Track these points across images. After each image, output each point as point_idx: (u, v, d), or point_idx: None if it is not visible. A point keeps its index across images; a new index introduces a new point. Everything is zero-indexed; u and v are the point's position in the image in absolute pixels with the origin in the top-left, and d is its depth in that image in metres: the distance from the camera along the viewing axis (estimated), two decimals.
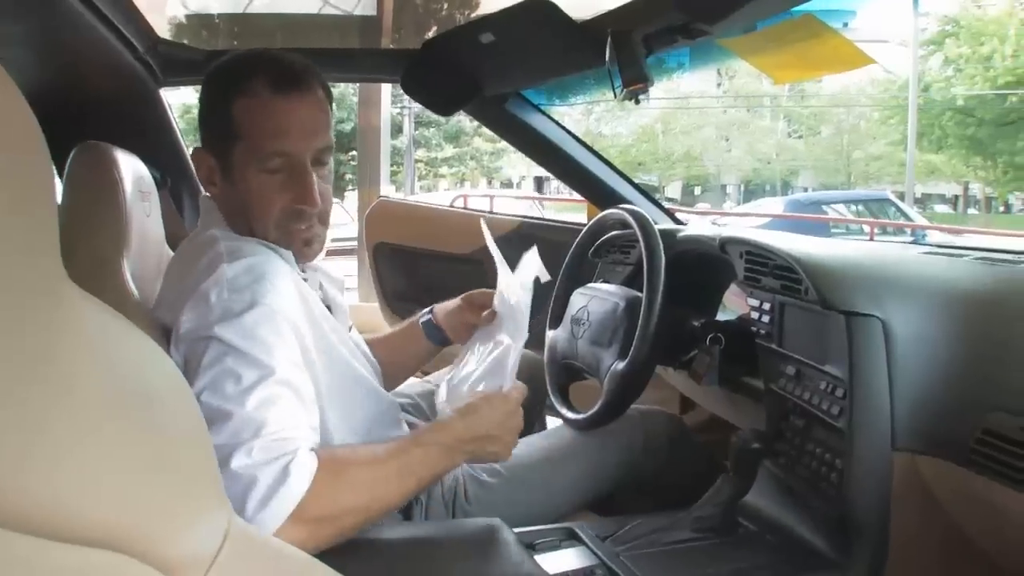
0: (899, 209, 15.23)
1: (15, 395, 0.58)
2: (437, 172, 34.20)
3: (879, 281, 1.63)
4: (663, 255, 1.99)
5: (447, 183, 33.47)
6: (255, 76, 1.49)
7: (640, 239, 2.03)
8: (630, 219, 2.10)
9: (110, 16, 1.93)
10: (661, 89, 35.38)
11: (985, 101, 24.14)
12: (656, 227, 2.11)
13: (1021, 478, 1.26)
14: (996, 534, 1.43)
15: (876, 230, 12.53)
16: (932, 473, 1.47)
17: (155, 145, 2.55)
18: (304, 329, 1.48)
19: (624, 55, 1.95)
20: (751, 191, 38.23)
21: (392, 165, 29.99)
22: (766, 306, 1.88)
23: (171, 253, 1.98)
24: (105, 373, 0.74)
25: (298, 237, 1.57)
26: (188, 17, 2.83)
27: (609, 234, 2.43)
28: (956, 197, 37.99)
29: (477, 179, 35.70)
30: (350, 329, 1.82)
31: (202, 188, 1.72)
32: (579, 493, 1.95)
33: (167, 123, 2.68)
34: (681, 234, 2.31)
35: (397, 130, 28.40)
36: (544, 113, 2.78)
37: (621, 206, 2.23)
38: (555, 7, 2.03)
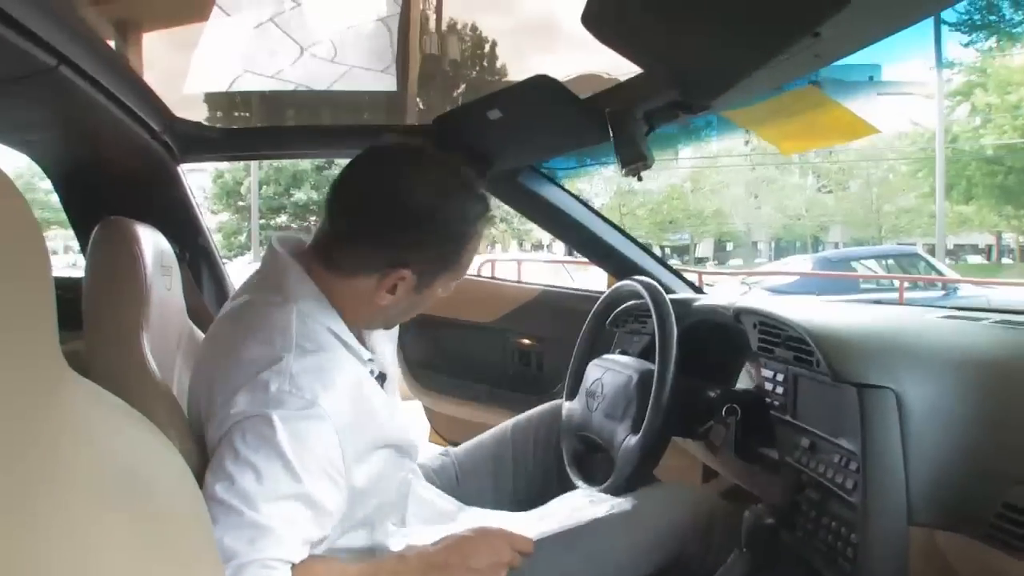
0: (929, 264, 15.12)
1: (14, 486, 0.59)
2: None
3: (892, 351, 1.59)
4: (675, 328, 1.98)
5: None
6: (483, 220, 1.62)
7: (652, 312, 2.03)
8: (642, 291, 2.10)
9: (124, 99, 1.98)
10: (689, 148, 35.55)
11: (1015, 150, 23.99)
12: (672, 296, 2.11)
13: None
14: None
15: (906, 285, 12.44)
16: (951, 549, 1.42)
17: (175, 220, 2.60)
18: (354, 427, 1.49)
19: (621, 135, 1.96)
20: (783, 247, 38.09)
21: None
22: (780, 377, 1.86)
23: (191, 324, 2.02)
24: (104, 462, 0.76)
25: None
26: (205, 96, 2.90)
27: (626, 304, 2.43)
28: (989, 247, 37.66)
29: (508, 241, 35.79)
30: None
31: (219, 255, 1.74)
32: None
33: (185, 199, 2.73)
34: (697, 303, 2.31)
35: None
36: (558, 185, 2.81)
37: (635, 277, 2.23)
38: (558, 84, 2.06)
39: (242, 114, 3.10)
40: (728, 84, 1.46)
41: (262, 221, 28.23)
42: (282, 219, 29.35)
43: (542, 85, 2.09)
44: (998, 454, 1.40)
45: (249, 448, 1.35)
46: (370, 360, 1.64)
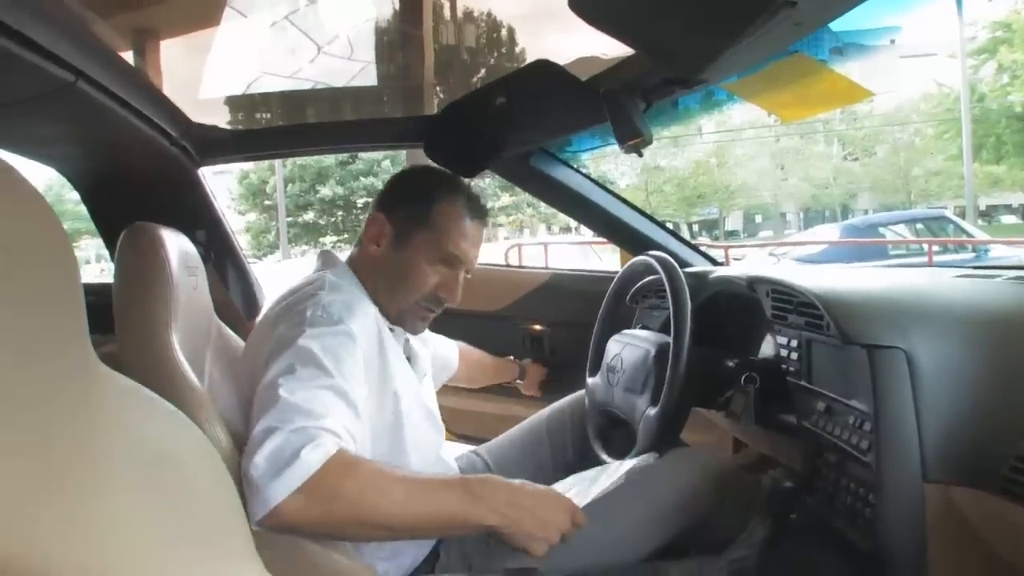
0: (958, 226, 14.95)
1: (53, 480, 0.63)
2: (495, 222, 34.44)
3: (901, 311, 1.61)
4: (688, 299, 2.00)
5: (506, 231, 33.62)
6: (461, 193, 1.95)
7: (666, 285, 2.05)
8: (656, 265, 2.13)
9: (141, 108, 2.03)
10: (713, 123, 35.35)
11: None
12: (688, 270, 2.13)
13: None
14: None
15: (936, 249, 12.31)
16: (967, 503, 1.44)
17: (198, 222, 2.69)
18: (373, 364, 1.76)
19: (616, 113, 1.99)
20: (812, 217, 37.84)
21: None
22: (794, 343, 1.88)
23: (219, 322, 2.09)
24: (135, 449, 0.80)
25: (422, 317, 1.97)
26: (224, 99, 2.94)
27: (645, 279, 2.45)
28: (1022, 206, 37.17)
29: (536, 226, 35.81)
30: (424, 375, 2.13)
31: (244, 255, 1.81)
32: (639, 541, 1.88)
33: (207, 200, 2.79)
34: (713, 275, 2.33)
35: None
36: (569, 165, 2.82)
37: (649, 252, 2.25)
38: (558, 67, 2.10)
39: (260, 115, 3.13)
40: (710, 58, 1.47)
41: (289, 219, 28.32)
42: (309, 216, 29.42)
43: (543, 69, 2.15)
44: (1009, 409, 1.41)
45: (287, 357, 1.55)
46: (392, 328, 1.92)
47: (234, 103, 2.99)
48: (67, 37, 1.57)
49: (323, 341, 1.59)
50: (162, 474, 0.85)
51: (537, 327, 3.14)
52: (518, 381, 2.90)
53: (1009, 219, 36.73)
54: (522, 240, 20.66)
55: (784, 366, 1.93)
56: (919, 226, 14.88)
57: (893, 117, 34.31)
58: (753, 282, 2.06)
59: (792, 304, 1.85)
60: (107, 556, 0.68)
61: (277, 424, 1.40)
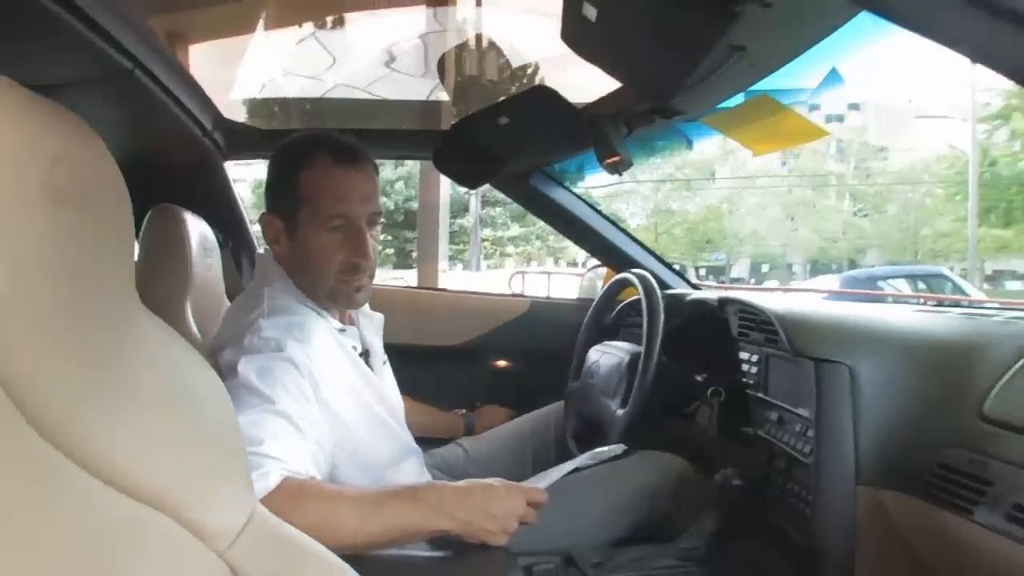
0: (956, 284, 15.10)
1: (101, 389, 0.80)
2: (503, 251, 34.54)
3: (849, 333, 1.79)
4: (662, 313, 2.17)
5: (513, 262, 33.67)
6: (319, 151, 1.77)
7: (642, 297, 2.22)
8: (635, 280, 2.29)
9: (182, 99, 2.17)
10: (727, 169, 35.49)
11: None
12: (668, 291, 2.30)
13: (970, 507, 1.38)
14: (953, 562, 1.53)
15: (931, 304, 12.34)
16: (894, 505, 1.59)
17: (218, 210, 2.83)
18: (327, 378, 1.72)
19: (598, 135, 2.18)
20: (818, 269, 37.77)
21: (459, 244, 30.31)
22: (755, 358, 2.05)
23: (228, 303, 2.26)
24: (162, 376, 0.97)
25: (351, 286, 1.83)
26: (251, 100, 3.12)
27: (629, 299, 2.61)
28: None
29: (543, 258, 35.84)
30: (384, 363, 2.08)
31: (258, 247, 1.95)
32: (599, 529, 2.01)
33: (229, 192, 2.96)
34: (689, 297, 2.49)
35: (463, 209, 28.80)
36: (566, 188, 3.00)
37: (630, 271, 2.42)
38: (555, 93, 2.26)
39: (286, 117, 3.32)
40: (680, 90, 1.65)
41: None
42: None
43: (542, 94, 2.32)
44: (936, 422, 1.56)
45: (227, 384, 1.48)
46: (342, 330, 1.87)
47: (262, 105, 3.18)
48: (130, 27, 1.67)
49: (257, 366, 1.59)
50: (181, 400, 1.00)
51: (503, 363, 3.16)
52: (466, 430, 2.65)
53: (1014, 285, 36.70)
54: (527, 269, 20.77)
55: (746, 380, 2.09)
56: (918, 282, 15.03)
57: (905, 176, 34.42)
58: (723, 302, 2.23)
59: (755, 322, 2.02)
60: (135, 447, 0.83)
61: None
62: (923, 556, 1.58)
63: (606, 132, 2.16)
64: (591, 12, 1.45)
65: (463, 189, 25.19)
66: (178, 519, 0.87)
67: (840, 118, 37.56)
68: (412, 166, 17.57)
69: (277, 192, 1.85)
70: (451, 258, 29.17)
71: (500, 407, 2.78)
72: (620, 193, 33.85)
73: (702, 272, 37.67)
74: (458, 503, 1.49)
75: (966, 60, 0.99)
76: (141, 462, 0.82)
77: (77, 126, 0.80)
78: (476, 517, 1.49)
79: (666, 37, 1.40)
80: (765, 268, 40.60)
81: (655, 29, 1.40)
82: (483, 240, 31.80)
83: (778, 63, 1.65)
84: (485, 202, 30.45)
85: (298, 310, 1.78)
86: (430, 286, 8.27)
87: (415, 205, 20.58)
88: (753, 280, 38.94)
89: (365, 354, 2.00)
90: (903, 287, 14.62)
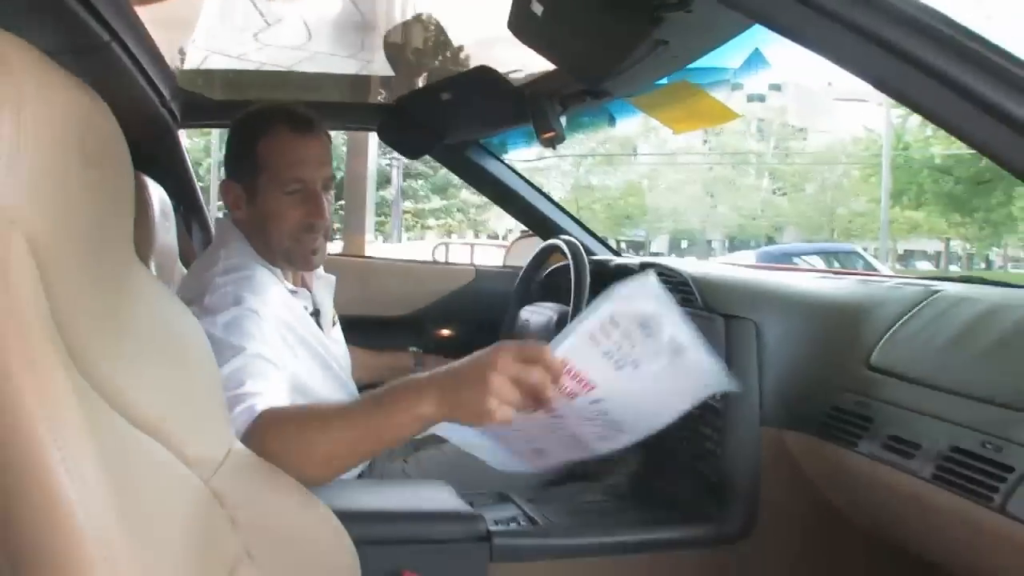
0: (866, 261, 15.69)
1: (115, 330, 0.94)
2: (424, 224, 34.42)
3: (756, 292, 2.03)
4: (588, 275, 2.36)
5: (435, 234, 33.63)
6: (276, 121, 1.87)
7: (569, 261, 2.41)
8: (562, 245, 2.49)
9: (148, 70, 2.23)
10: (649, 145, 35.78)
11: (962, 160, 24.23)
12: (593, 257, 2.49)
13: (855, 441, 1.58)
14: (844, 491, 1.77)
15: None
16: (793, 443, 1.81)
17: (173, 176, 2.94)
18: (281, 329, 1.81)
19: (536, 113, 2.41)
20: (736, 246, 38.25)
21: (380, 215, 30.03)
22: None
23: (181, 266, 2.37)
24: (157, 322, 1.12)
25: (307, 247, 1.92)
26: (204, 71, 3.22)
27: (557, 264, 2.81)
28: (938, 254, 38.17)
29: (464, 231, 35.71)
30: (333, 324, 2.18)
31: (215, 213, 2.05)
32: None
33: (182, 159, 3.08)
34: (613, 262, 2.70)
35: (386, 181, 28.57)
36: (498, 159, 3.18)
37: (560, 236, 2.63)
38: (496, 73, 2.46)
39: (238, 88, 3.41)
40: (609, 75, 1.83)
41: (220, 203, 27.98)
42: None
43: (484, 74, 2.51)
44: (830, 371, 1.78)
45: None
46: (294, 291, 1.97)
47: (213, 75, 3.29)
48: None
49: (225, 322, 1.64)
50: (172, 342, 1.14)
51: (447, 332, 3.21)
52: (416, 367, 2.53)
53: (924, 265, 37.75)
54: (450, 240, 20.83)
55: None
56: (832, 260, 15.51)
57: (823, 157, 35.14)
58: (644, 265, 2.43)
59: (673, 284, 2.21)
60: (138, 381, 0.95)
61: None
62: (819, 486, 1.81)
63: (544, 110, 2.37)
64: (538, 8, 1.64)
65: (386, 161, 25.17)
66: (170, 448, 0.99)
67: (762, 98, 38.11)
68: (334, 137, 17.41)
69: (237, 160, 1.95)
70: (373, 230, 28.93)
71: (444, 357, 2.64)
72: (541, 169, 34.01)
73: (622, 247, 37.86)
74: (444, 376, 1.30)
75: None
76: (140, 395, 0.94)
77: (94, 96, 0.92)
78: (462, 387, 1.26)
79: (600, 32, 1.58)
80: (684, 244, 41.10)
81: (591, 25, 1.59)
82: (404, 212, 31.67)
83: (698, 55, 1.86)
84: (407, 174, 30.33)
85: (252, 267, 1.85)
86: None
87: (336, 176, 20.47)
88: (673, 256, 39.38)
89: (316, 314, 2.08)
90: (817, 263, 15.09)
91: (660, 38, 1.54)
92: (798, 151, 37.80)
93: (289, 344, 1.85)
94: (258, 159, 1.87)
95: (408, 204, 32.42)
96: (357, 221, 10.18)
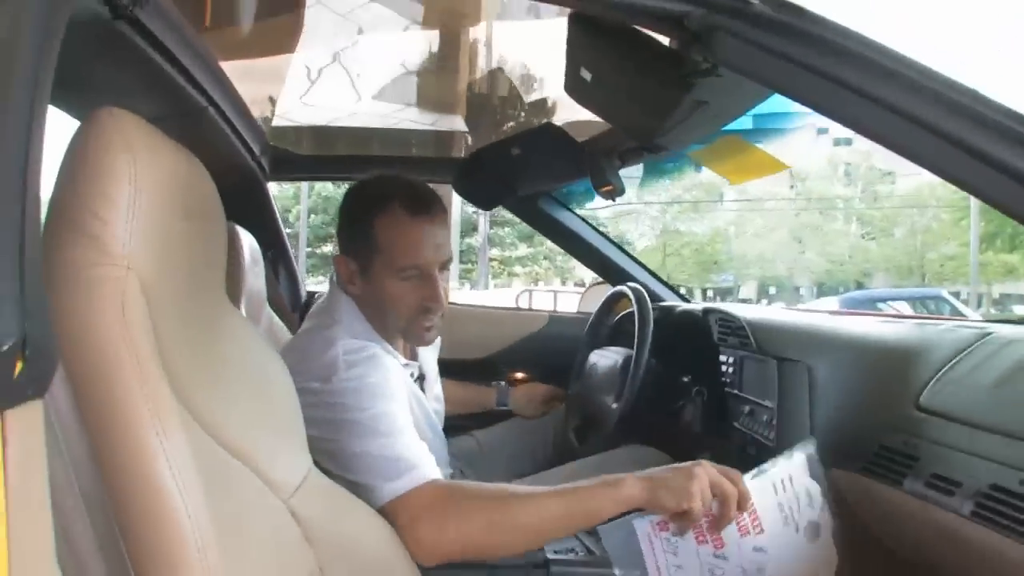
0: (953, 307, 15.40)
1: (210, 364, 1.08)
2: (511, 271, 34.60)
3: (809, 336, 2.09)
4: (651, 319, 2.46)
5: (521, 281, 33.80)
6: (393, 199, 1.82)
7: (634, 306, 2.52)
8: (628, 292, 2.61)
9: (238, 126, 2.41)
10: (735, 191, 35.52)
11: None
12: (660, 303, 2.60)
13: (900, 479, 1.64)
14: (888, 524, 1.80)
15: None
16: (843, 482, 1.84)
17: (262, 225, 3.09)
18: (406, 404, 1.80)
19: (594, 167, 2.56)
20: (824, 292, 37.46)
21: (467, 263, 30.33)
22: (731, 360, 2.34)
23: (270, 310, 2.56)
24: (246, 359, 1.25)
25: (422, 326, 1.91)
26: (292, 127, 3.43)
27: (627, 311, 2.91)
28: None
29: (551, 278, 35.81)
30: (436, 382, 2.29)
31: (303, 258, 2.18)
32: None
33: (270, 209, 3.30)
34: (679, 309, 2.81)
35: (472, 229, 28.93)
36: (570, 210, 3.34)
37: (626, 284, 2.77)
38: (560, 130, 2.62)
39: (324, 144, 3.59)
40: (658, 134, 1.94)
41: (308, 249, 28.45)
42: (328, 248, 29.59)
43: (550, 130, 2.68)
44: (879, 412, 1.83)
45: (342, 418, 1.62)
46: (406, 364, 1.98)
47: (301, 131, 3.49)
48: (206, 68, 1.87)
49: (362, 396, 1.65)
50: (259, 379, 1.29)
51: (520, 375, 3.32)
52: (501, 406, 2.80)
53: (1021, 309, 36.57)
54: (535, 288, 20.91)
55: (724, 380, 2.39)
56: (919, 305, 15.20)
57: (912, 200, 34.39)
58: (706, 312, 2.52)
59: (731, 328, 2.31)
60: (228, 410, 1.09)
61: (386, 476, 1.53)
62: (867, 523, 1.85)
63: (601, 165, 2.52)
64: (587, 75, 1.77)
65: (472, 209, 25.38)
66: (256, 471, 1.12)
67: (848, 142, 37.45)
68: None
69: (351, 237, 1.89)
70: (459, 277, 29.40)
71: (538, 383, 2.90)
72: (628, 213, 33.95)
73: (710, 294, 37.50)
74: (643, 477, 1.50)
75: None
76: (230, 422, 1.08)
77: (193, 159, 1.09)
78: (663, 484, 1.46)
79: (642, 96, 1.70)
80: (772, 290, 40.46)
81: (633, 90, 1.71)
82: (491, 260, 31.88)
83: (739, 112, 1.98)
84: (493, 222, 30.64)
85: (372, 346, 1.79)
86: None
87: None
88: (764, 302, 38.70)
89: (421, 378, 2.16)
90: (904, 309, 14.79)
91: (698, 99, 1.64)
92: (886, 195, 37.04)
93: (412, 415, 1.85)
94: (373, 239, 1.83)
95: (495, 252, 32.64)
96: None
